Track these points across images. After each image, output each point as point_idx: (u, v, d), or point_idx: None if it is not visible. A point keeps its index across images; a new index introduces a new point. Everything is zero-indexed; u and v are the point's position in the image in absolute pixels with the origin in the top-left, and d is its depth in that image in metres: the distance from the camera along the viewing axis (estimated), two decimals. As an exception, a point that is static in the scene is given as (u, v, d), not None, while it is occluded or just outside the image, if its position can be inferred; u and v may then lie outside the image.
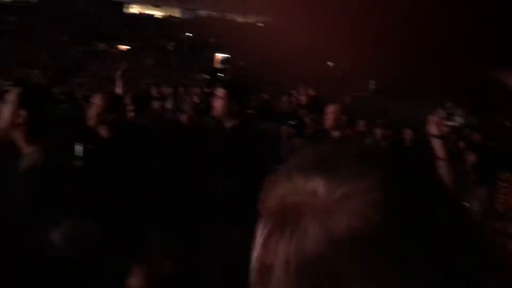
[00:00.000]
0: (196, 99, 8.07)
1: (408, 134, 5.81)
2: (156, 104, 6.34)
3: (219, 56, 31.45)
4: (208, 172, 3.20)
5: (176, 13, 37.46)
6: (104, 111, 3.00)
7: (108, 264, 1.73)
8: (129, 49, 31.27)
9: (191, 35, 33.41)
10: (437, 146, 2.16)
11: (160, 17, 37.28)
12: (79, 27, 33.00)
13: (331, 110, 3.78)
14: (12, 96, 1.96)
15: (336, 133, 3.72)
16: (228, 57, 30.95)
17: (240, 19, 36.43)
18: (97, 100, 3.06)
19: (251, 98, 3.88)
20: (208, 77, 22.39)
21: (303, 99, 8.46)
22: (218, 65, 30.78)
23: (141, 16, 37.11)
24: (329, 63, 29.37)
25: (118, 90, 4.00)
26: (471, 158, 3.69)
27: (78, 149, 2.94)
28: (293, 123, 4.28)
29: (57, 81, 21.10)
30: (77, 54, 29.61)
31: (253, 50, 30.49)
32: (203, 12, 36.80)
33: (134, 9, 38.07)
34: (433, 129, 2.16)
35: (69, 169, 2.21)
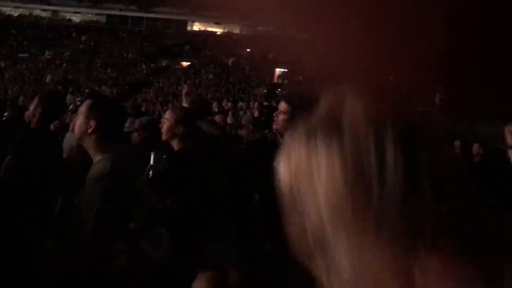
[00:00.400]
0: (255, 113, 8.14)
1: (476, 149, 5.53)
2: (217, 118, 6.44)
3: (278, 71, 31.71)
4: (268, 186, 3.21)
5: (236, 29, 38.22)
6: (175, 125, 3.10)
7: (177, 269, 1.77)
8: (191, 65, 32.20)
9: (250, 50, 33.95)
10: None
11: (220, 33, 38.17)
12: (144, 45, 34.45)
13: None
14: (83, 107, 2.11)
15: None
16: (286, 71, 31.13)
17: (299, 35, 36.46)
18: (168, 115, 3.17)
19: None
20: (267, 91, 22.56)
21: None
22: (276, 80, 31.00)
23: (202, 33, 38.16)
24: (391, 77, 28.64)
25: (185, 104, 4.10)
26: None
27: (152, 157, 3.09)
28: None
29: (123, 97, 22.04)
30: (142, 70, 30.82)
31: (311, 65, 30.32)
32: (262, 29, 37.23)
33: (196, 26, 39.23)
34: (509, 140, 2.08)
35: (139, 176, 2.29)
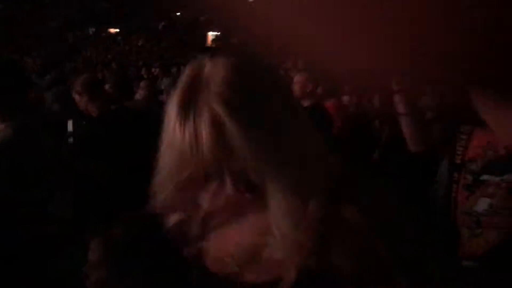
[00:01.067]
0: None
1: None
2: (143, 84, 6.35)
3: (211, 34, 31.23)
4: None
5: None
6: (80, 95, 3.15)
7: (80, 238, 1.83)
8: (119, 31, 31.02)
9: (181, 14, 33.12)
10: (397, 101, 2.21)
11: (149, -3, 36.81)
12: (69, 12, 32.66)
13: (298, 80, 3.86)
14: None
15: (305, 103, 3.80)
16: (219, 35, 30.71)
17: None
18: (77, 82, 3.21)
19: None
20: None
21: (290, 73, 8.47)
22: (210, 43, 30.58)
23: (130, -3, 36.65)
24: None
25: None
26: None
27: (69, 125, 3.11)
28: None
29: (49, 68, 20.98)
30: (68, 39, 29.38)
31: (246, 28, 30.13)
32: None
33: (123, -10, 37.57)
34: (394, 85, 2.21)
35: (46, 143, 2.27)
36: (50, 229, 1.83)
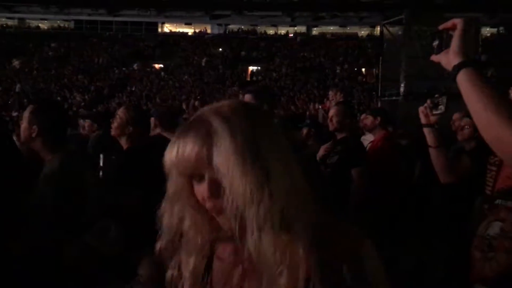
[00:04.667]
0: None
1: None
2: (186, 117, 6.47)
3: (251, 68, 31.81)
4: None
5: (207, 29, 38.11)
6: (126, 124, 3.13)
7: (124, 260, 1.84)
8: (163, 67, 32.02)
9: (222, 50, 33.96)
10: (426, 134, 2.29)
11: (192, 34, 38.00)
12: (115, 49, 34.09)
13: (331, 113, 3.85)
14: (26, 113, 2.17)
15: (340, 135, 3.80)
16: (259, 69, 31.25)
17: (270, 31, 36.76)
18: (121, 112, 3.19)
19: (275, 102, 4.07)
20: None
21: (331, 104, 8.44)
22: (250, 78, 31.08)
23: (173, 34, 37.93)
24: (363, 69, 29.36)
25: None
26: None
27: (101, 159, 3.13)
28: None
29: (95, 102, 21.80)
30: (114, 75, 30.51)
31: (285, 61, 30.74)
32: (233, 27, 37.30)
33: (167, 28, 38.98)
34: (422, 119, 2.28)
35: (88, 172, 2.32)
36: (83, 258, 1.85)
